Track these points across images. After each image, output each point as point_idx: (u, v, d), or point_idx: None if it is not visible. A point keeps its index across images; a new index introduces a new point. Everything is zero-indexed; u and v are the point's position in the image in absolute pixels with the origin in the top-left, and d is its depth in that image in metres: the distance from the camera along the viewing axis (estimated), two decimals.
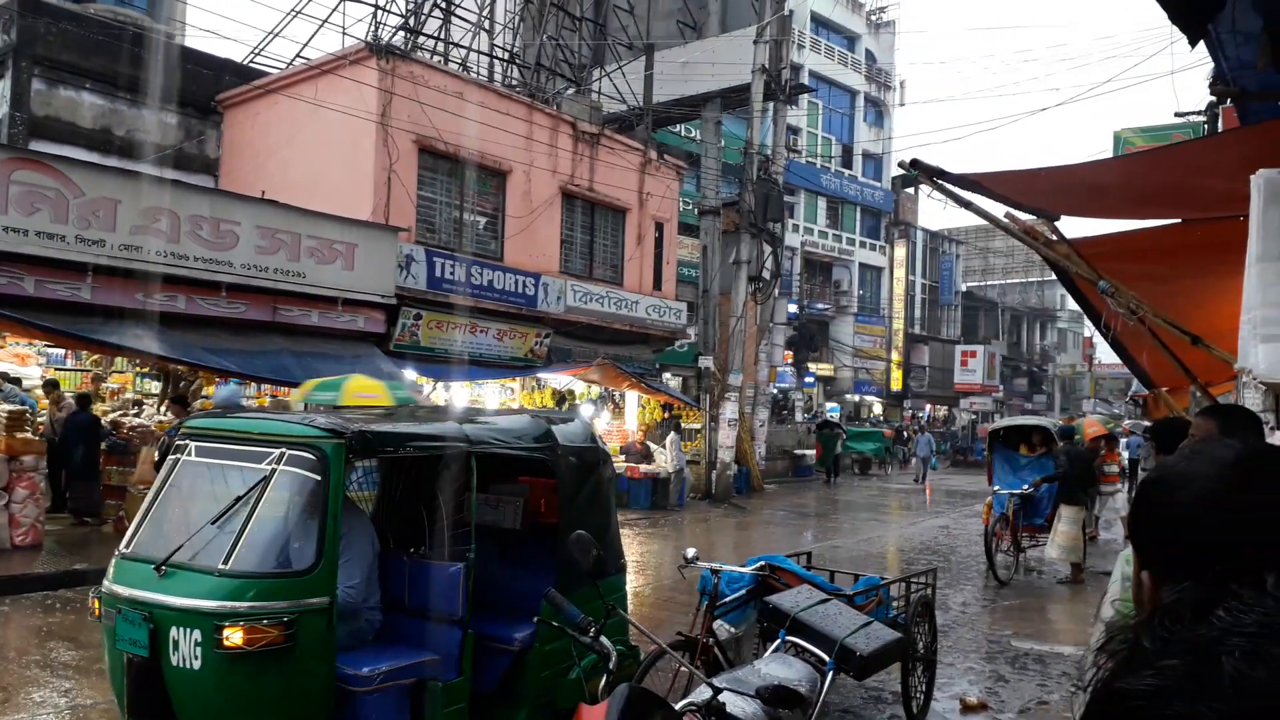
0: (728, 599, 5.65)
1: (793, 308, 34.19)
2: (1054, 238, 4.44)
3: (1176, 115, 14.11)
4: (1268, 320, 2.60)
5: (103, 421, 12.48)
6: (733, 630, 5.76)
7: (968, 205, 3.44)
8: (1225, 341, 3.56)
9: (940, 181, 3.17)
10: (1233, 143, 3.68)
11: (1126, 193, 3.79)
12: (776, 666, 4.06)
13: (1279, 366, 2.46)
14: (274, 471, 4.19)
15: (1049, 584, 12.06)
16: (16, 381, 12.52)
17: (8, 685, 6.42)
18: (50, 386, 12.55)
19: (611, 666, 3.17)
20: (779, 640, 4.44)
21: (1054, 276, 4.84)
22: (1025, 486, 12.54)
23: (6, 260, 10.62)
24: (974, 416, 45.73)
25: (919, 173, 3.22)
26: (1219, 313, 4.53)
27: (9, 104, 14.73)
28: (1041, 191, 3.50)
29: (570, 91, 20.48)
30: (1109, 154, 17.99)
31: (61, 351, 14.42)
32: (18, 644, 7.63)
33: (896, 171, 44.06)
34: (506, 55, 20.47)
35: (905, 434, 36.74)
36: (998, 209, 4.35)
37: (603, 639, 3.16)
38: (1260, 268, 2.53)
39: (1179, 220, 4.35)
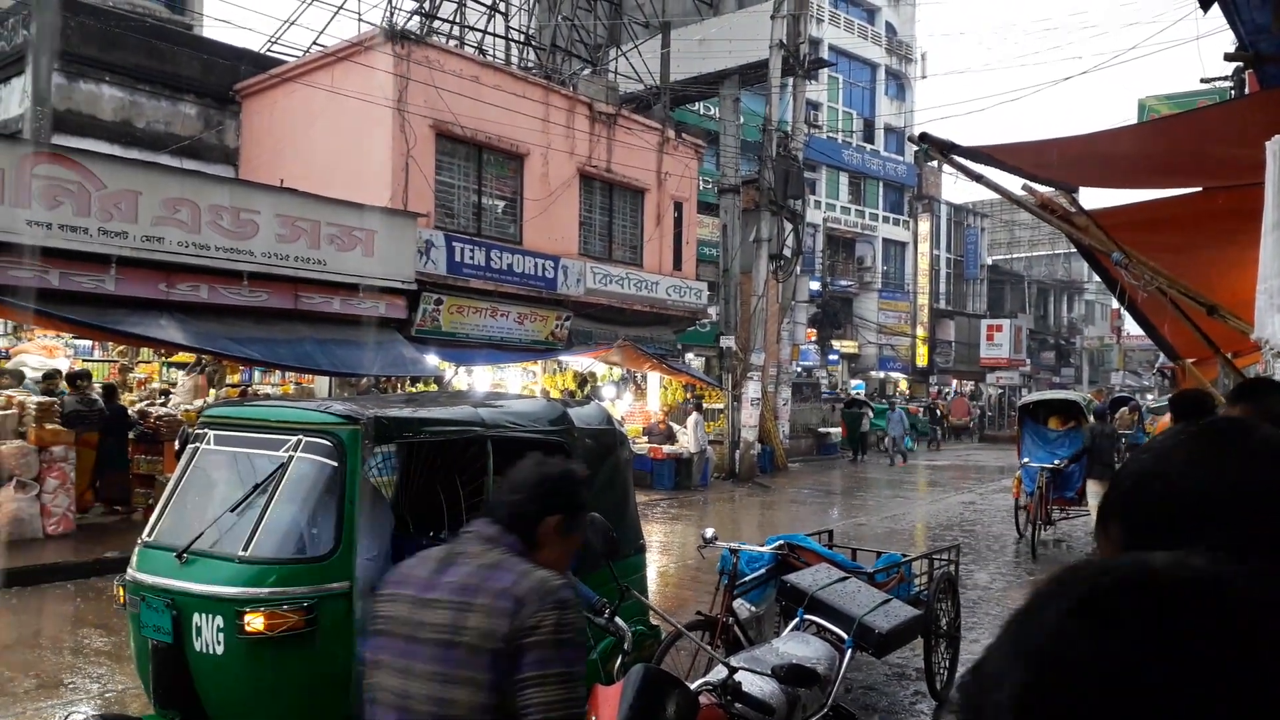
0: (747, 578, 5.65)
1: (815, 285, 33.97)
2: (1073, 209, 4.38)
3: (1202, 81, 13.83)
4: None
5: (130, 412, 12.65)
6: (753, 609, 5.77)
7: (979, 179, 3.39)
8: (1249, 311, 3.50)
9: (952, 156, 3.13)
10: (1251, 108, 3.60)
11: (1145, 162, 3.72)
12: (795, 645, 4.06)
13: None
14: (291, 459, 4.22)
15: (1077, 557, 11.98)
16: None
17: (42, 672, 6.54)
18: (83, 377, 12.71)
19: (627, 647, 3.18)
20: (797, 619, 4.44)
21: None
22: (1055, 461, 12.56)
23: (31, 254, 10.73)
24: (1000, 390, 45.35)
25: (929, 147, 3.18)
26: (1242, 281, 4.45)
27: (30, 99, 14.85)
28: (1057, 163, 3.44)
29: (586, 72, 20.38)
30: (1132, 123, 17.70)
31: (89, 343, 14.59)
32: (52, 632, 7.78)
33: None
34: (522, 37, 20.39)
35: (938, 412, 36.14)
36: (1016, 182, 4.29)
37: (617, 620, 3.17)
38: (1276, 235, 2.47)
39: (1200, 189, 4.26)
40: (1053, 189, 4.33)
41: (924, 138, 3.15)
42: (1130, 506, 1.03)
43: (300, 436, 4.27)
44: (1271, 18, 2.75)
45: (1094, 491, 11.76)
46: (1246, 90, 11.66)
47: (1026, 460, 13.04)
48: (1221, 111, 4.07)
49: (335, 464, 4.18)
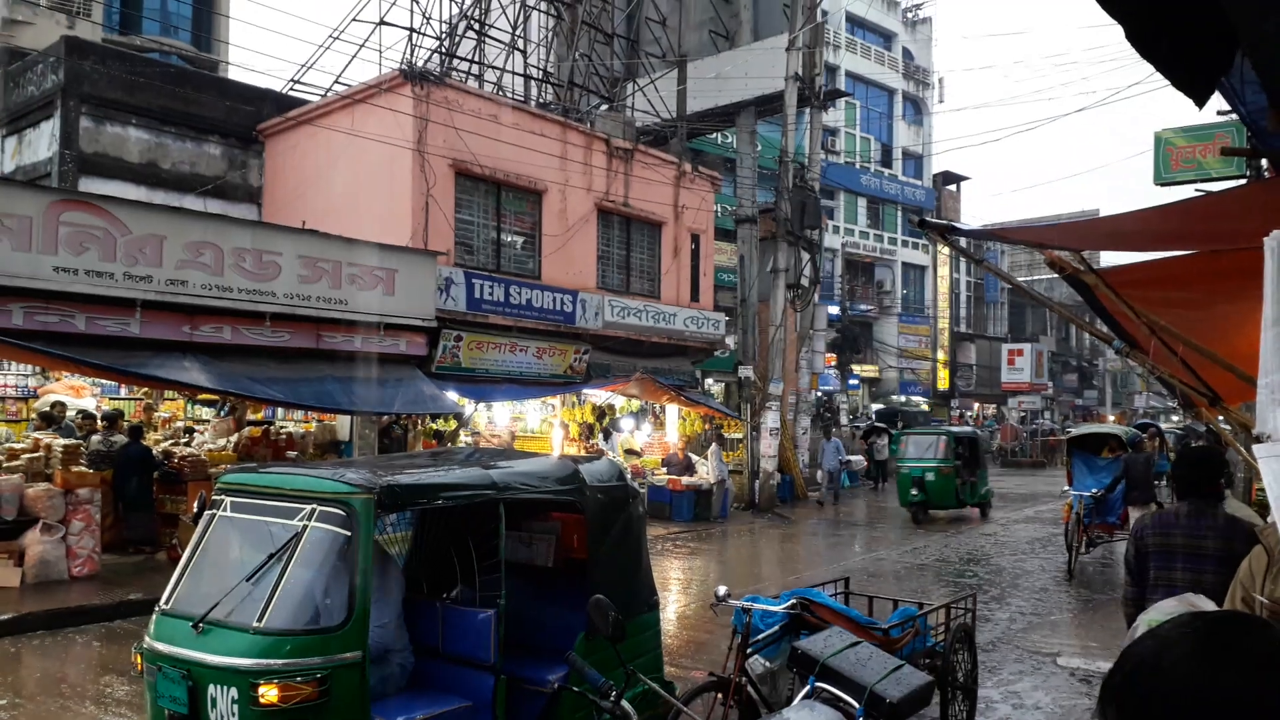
0: (761, 635, 5.63)
1: (835, 309, 33.91)
2: (1081, 267, 4.39)
3: (1219, 114, 13.77)
4: None
5: (155, 451, 12.80)
6: (768, 664, 5.74)
7: (980, 262, 3.41)
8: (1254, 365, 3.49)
9: (953, 237, 3.15)
10: (1260, 194, 3.60)
11: (1147, 235, 3.74)
12: (805, 715, 4.05)
13: None
14: (305, 528, 4.27)
15: (1107, 586, 11.85)
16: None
17: None
18: (114, 418, 12.91)
19: None
20: (809, 686, 4.43)
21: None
22: (1095, 490, 13.74)
23: (58, 299, 10.92)
24: (1023, 415, 44.98)
25: (930, 231, 3.20)
26: (1258, 331, 4.42)
27: (59, 143, 15.17)
28: (1058, 240, 3.46)
29: (604, 108, 20.55)
30: (1150, 155, 17.66)
31: (115, 383, 14.80)
32: (75, 678, 7.86)
33: (937, 169, 43.56)
34: (540, 74, 20.60)
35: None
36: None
37: (624, 704, 3.19)
38: (1276, 331, 2.48)
39: (1198, 250, 4.27)
40: (1062, 252, 4.35)
41: (923, 223, 3.18)
42: (1125, 696, 1.04)
43: (314, 505, 4.32)
44: (1266, 108, 2.76)
45: (1134, 517, 12.47)
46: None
47: (1070, 488, 14.41)
48: (1233, 198, 4.08)
49: (348, 534, 4.23)
